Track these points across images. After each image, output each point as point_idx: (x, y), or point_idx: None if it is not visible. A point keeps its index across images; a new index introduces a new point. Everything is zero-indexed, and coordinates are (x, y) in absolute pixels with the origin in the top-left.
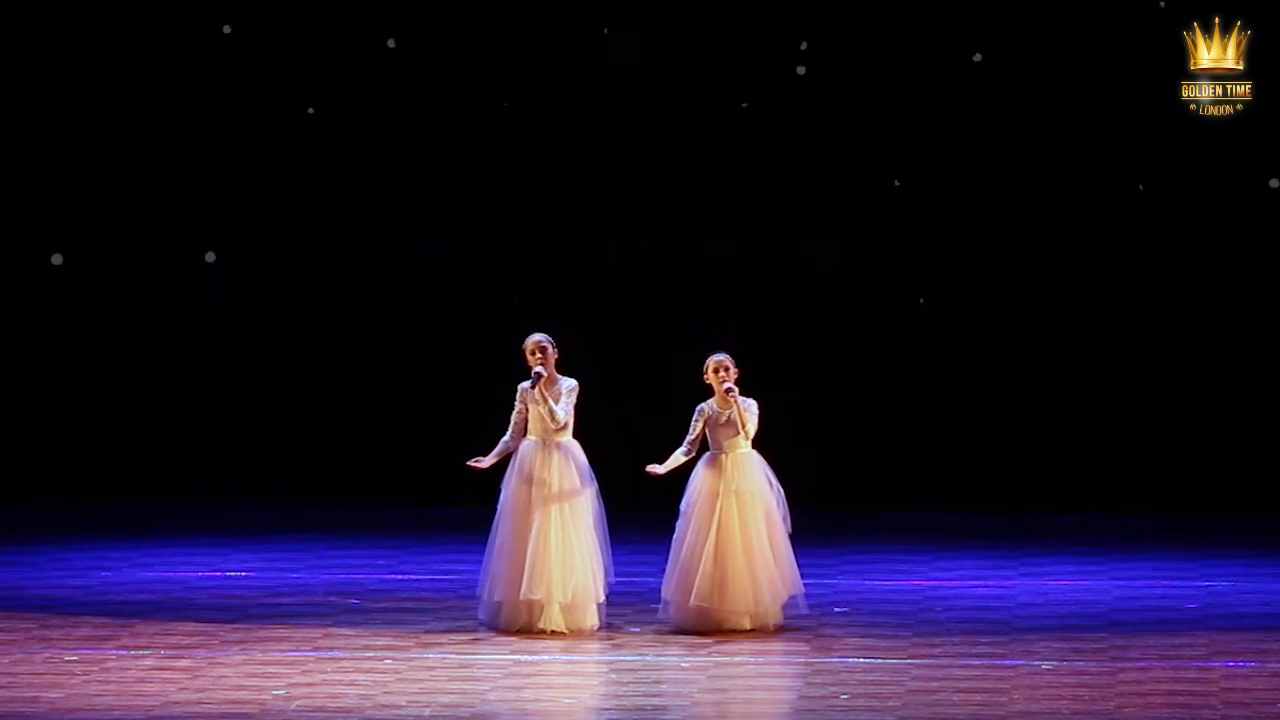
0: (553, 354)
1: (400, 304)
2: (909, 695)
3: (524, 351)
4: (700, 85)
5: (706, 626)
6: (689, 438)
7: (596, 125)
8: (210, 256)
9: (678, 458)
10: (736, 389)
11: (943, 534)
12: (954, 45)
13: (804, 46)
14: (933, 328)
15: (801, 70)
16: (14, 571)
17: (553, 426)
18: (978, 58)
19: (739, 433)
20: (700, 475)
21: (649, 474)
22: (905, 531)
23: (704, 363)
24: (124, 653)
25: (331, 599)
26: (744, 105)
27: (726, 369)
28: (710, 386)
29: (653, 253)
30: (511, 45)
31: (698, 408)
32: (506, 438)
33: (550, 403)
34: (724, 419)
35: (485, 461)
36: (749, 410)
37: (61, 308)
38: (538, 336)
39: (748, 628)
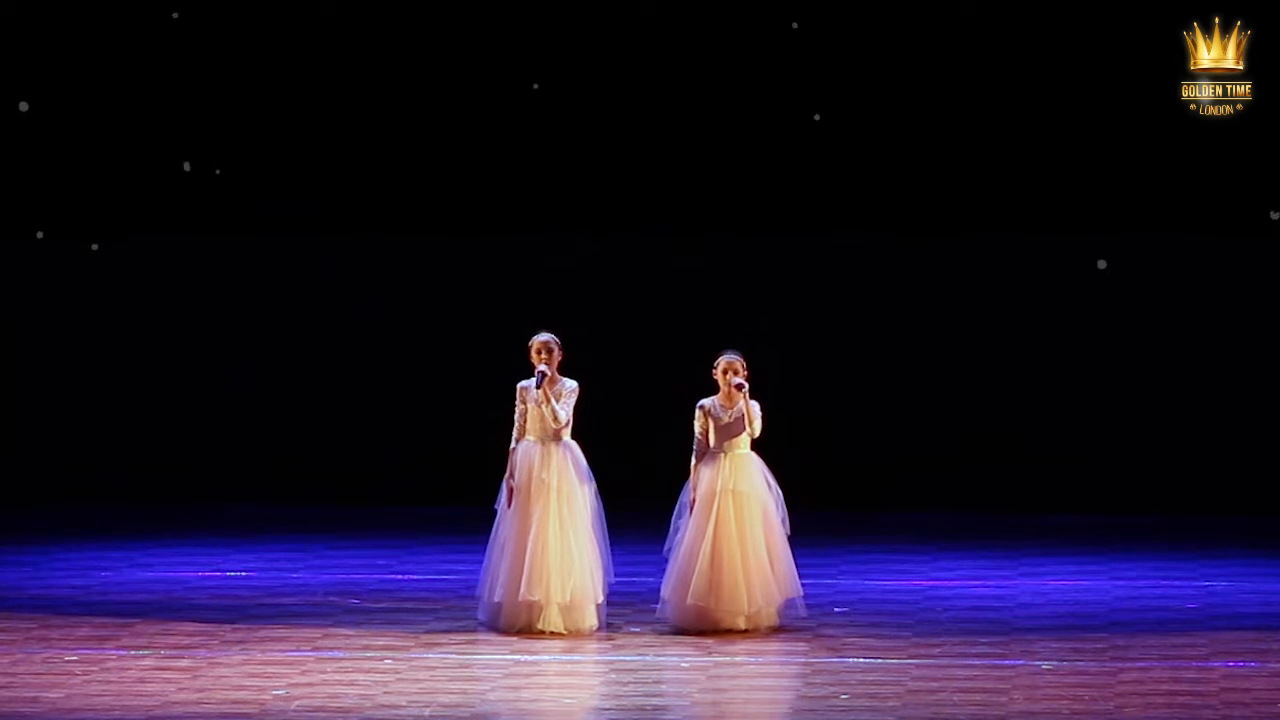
0: (558, 355)
1: (400, 304)
2: (909, 695)
3: (529, 349)
4: (698, 85)
5: (703, 626)
6: (697, 438)
7: (596, 125)
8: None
9: (696, 468)
10: (746, 385)
11: (943, 534)
12: (953, 45)
13: (796, 29)
14: (933, 327)
15: (799, 68)
16: (14, 571)
17: (553, 426)
18: (971, 21)
19: (742, 431)
20: (699, 474)
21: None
22: (905, 531)
23: (714, 360)
24: (124, 653)
25: (331, 599)
26: (741, 104)
27: (736, 371)
28: (715, 383)
29: (654, 252)
30: (512, 42)
31: (698, 405)
32: (515, 444)
33: (553, 401)
34: (728, 418)
35: (516, 480)
36: (755, 410)
37: (60, 308)
38: (545, 336)
39: (743, 628)
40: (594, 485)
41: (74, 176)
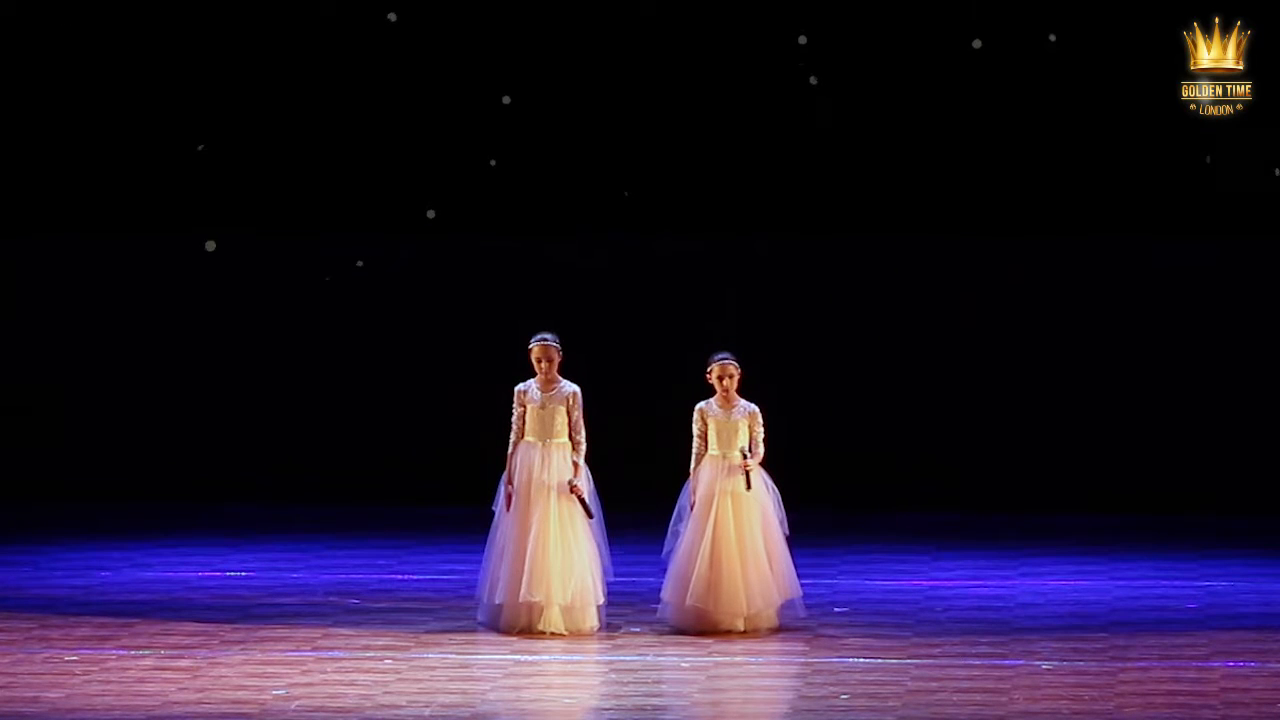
0: (559, 358)
1: (399, 303)
2: (909, 695)
3: (529, 350)
4: (698, 85)
5: (703, 627)
6: (696, 442)
7: (596, 125)
8: (210, 246)
9: (695, 470)
10: (756, 470)
11: (943, 534)
12: (953, 45)
13: (802, 41)
14: (932, 327)
15: (800, 67)
16: (14, 571)
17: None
18: (977, 43)
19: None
20: (698, 476)
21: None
22: (905, 531)
23: (707, 362)
24: (124, 653)
25: (331, 599)
26: (740, 107)
27: (730, 375)
28: (710, 386)
29: (655, 252)
30: (511, 42)
31: (696, 408)
32: (513, 447)
33: (583, 493)
34: (725, 420)
35: (514, 483)
36: (759, 436)
37: (60, 306)
38: (546, 339)
39: (742, 629)
40: (593, 486)
41: (72, 176)
